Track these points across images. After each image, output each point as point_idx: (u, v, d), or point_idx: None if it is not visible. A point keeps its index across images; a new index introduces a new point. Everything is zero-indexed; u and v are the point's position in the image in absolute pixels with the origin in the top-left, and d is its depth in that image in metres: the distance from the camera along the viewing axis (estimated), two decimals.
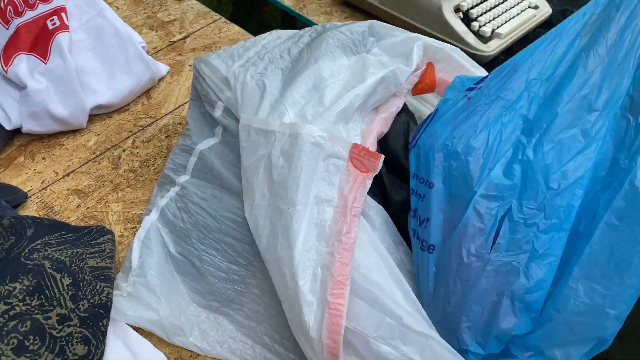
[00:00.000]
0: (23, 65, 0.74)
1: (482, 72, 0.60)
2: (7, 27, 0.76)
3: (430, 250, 0.48)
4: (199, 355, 0.57)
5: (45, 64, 0.74)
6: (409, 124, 0.58)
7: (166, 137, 0.79)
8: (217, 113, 0.60)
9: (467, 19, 0.83)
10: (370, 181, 0.49)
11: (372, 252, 0.47)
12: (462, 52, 0.61)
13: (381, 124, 0.55)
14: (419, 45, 0.56)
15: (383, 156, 0.50)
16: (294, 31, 0.66)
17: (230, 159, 0.58)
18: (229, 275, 0.55)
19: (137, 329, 0.57)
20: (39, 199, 0.70)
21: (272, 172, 0.50)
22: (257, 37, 0.67)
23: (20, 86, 0.74)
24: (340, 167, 0.49)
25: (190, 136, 0.64)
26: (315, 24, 0.76)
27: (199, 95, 0.63)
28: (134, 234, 0.66)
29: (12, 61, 0.74)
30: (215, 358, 0.56)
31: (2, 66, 0.74)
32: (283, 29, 0.70)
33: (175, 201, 0.61)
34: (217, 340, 0.56)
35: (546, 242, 0.45)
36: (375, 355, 0.43)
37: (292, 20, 1.17)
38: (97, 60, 0.80)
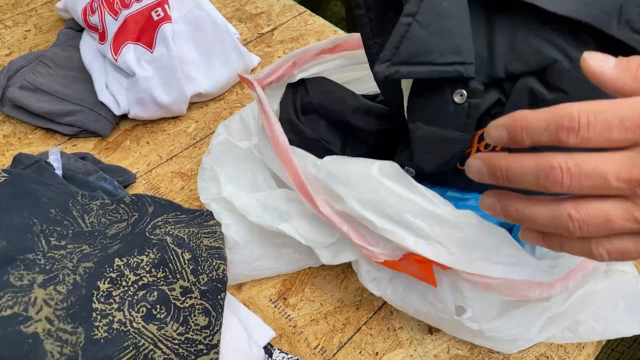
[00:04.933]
0: (131, 54, 0.78)
1: None
2: (116, 18, 0.81)
3: None
4: (302, 332, 0.59)
5: (152, 53, 0.79)
6: None
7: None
8: None
9: None
10: None
11: None
12: None
13: None
14: None
15: None
16: None
17: None
18: None
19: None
20: (146, 181, 0.74)
21: None
22: None
23: (127, 74, 0.79)
24: None
25: None
26: None
27: None
28: None
29: (121, 50, 0.79)
30: None
31: (112, 55, 0.79)
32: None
33: None
34: None
35: None
36: None
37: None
38: (196, 50, 0.83)
